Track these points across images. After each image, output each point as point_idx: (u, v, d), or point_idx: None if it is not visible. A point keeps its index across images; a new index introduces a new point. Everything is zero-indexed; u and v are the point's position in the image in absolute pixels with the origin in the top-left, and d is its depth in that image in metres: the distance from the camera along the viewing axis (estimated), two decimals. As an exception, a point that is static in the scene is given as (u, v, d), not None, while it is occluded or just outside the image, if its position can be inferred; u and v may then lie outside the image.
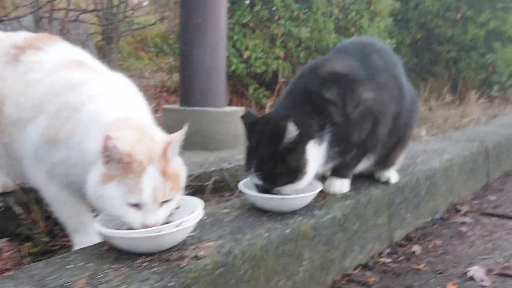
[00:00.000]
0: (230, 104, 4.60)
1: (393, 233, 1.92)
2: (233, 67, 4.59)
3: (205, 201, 1.33)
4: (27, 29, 4.50)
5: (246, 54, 4.68)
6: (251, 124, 1.54)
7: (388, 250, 1.85)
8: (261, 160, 1.45)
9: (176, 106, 3.01)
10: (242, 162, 2.52)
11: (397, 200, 1.95)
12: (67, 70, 1.43)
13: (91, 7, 4.40)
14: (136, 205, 1.16)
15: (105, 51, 4.52)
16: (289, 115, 1.48)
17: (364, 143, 1.66)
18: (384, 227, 1.86)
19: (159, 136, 1.26)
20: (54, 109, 1.33)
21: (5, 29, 3.98)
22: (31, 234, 1.58)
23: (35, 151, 1.35)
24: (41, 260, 1.44)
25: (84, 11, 4.14)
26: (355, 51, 1.75)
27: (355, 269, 1.68)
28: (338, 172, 1.72)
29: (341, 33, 5.21)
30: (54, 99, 1.34)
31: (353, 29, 5.26)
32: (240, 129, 2.99)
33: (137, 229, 1.16)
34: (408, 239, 1.97)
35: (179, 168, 1.26)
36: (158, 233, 1.13)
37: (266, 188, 1.48)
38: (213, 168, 2.30)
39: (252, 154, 1.49)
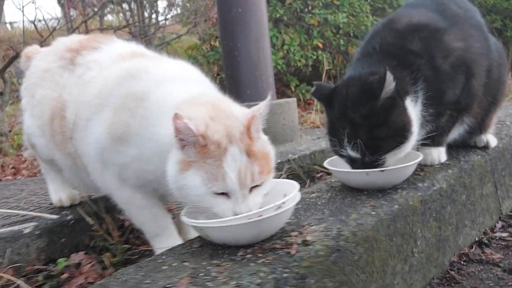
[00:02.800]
0: (274, 103, 4.43)
1: (502, 203, 1.68)
2: (273, 64, 4.43)
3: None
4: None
5: (283, 50, 4.52)
6: (327, 95, 1.35)
7: (500, 224, 1.60)
8: (353, 127, 1.24)
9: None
10: (307, 152, 2.38)
11: (500, 166, 1.70)
12: (125, 61, 1.30)
13: (123, 23, 4.37)
14: (223, 193, 0.99)
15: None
16: (376, 71, 1.28)
17: (458, 101, 1.44)
18: (491, 197, 1.62)
19: (238, 110, 1.09)
20: (118, 101, 1.18)
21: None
22: (107, 245, 1.46)
23: (101, 153, 1.21)
24: (122, 270, 1.32)
25: (119, 28, 4.12)
26: (430, 2, 1.55)
27: (470, 246, 1.45)
28: (432, 140, 1.49)
29: (378, 15, 4.98)
30: (116, 90, 1.20)
31: (390, 10, 5.01)
32: (294, 121, 2.85)
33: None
34: (518, 209, 1.72)
35: (266, 147, 1.08)
36: (258, 218, 0.96)
37: (368, 160, 1.25)
38: (279, 160, 2.13)
39: (339, 124, 1.28)
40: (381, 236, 1.14)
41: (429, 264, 1.28)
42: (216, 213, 1.00)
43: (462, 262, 1.36)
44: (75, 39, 1.49)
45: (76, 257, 1.38)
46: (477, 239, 1.49)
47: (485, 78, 1.49)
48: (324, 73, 4.34)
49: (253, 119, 1.02)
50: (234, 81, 2.75)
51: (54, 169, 1.58)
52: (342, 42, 4.68)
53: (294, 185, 1.10)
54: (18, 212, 1.37)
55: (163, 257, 1.05)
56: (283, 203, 1.01)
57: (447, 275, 1.29)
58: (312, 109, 4.74)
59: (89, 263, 1.34)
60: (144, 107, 1.13)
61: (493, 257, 1.36)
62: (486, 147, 1.68)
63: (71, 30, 3.66)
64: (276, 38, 4.53)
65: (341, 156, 1.33)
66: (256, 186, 1.02)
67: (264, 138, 1.10)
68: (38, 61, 1.51)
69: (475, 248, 1.44)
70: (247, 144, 1.00)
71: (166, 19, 4.85)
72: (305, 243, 1.00)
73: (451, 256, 1.37)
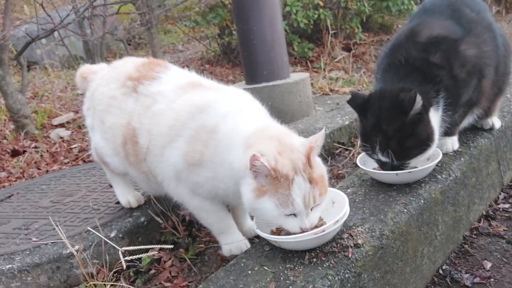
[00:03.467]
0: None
1: (504, 176, 1.96)
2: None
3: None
4: (73, 31, 4.58)
5: (285, 11, 4.58)
6: (362, 104, 1.56)
7: (502, 196, 1.89)
8: (386, 137, 1.47)
9: (243, 85, 3.04)
10: (327, 131, 2.60)
11: (502, 143, 1.96)
12: (187, 93, 1.49)
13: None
14: (292, 214, 1.23)
15: (146, 37, 4.51)
16: (405, 87, 1.49)
17: (471, 99, 1.67)
18: (495, 174, 1.89)
19: (297, 141, 1.30)
20: (191, 133, 1.40)
21: (54, 37, 4.06)
22: (175, 239, 1.73)
23: (176, 174, 1.45)
24: (196, 262, 1.60)
25: (124, 2, 4.14)
26: (445, 8, 1.71)
27: (479, 220, 1.74)
28: (447, 131, 1.74)
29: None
30: (187, 123, 1.41)
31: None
32: (309, 96, 3.04)
33: (295, 233, 1.25)
34: (517, 179, 2.00)
35: (322, 169, 1.30)
36: (323, 233, 1.23)
37: (395, 164, 1.50)
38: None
39: (372, 133, 1.51)
40: (412, 229, 1.42)
41: (448, 242, 1.57)
42: (286, 229, 1.25)
43: (473, 236, 1.66)
44: (131, 65, 1.65)
45: (155, 253, 1.66)
46: (484, 212, 1.79)
47: (494, 76, 1.70)
48: (327, 33, 4.44)
49: (311, 150, 1.24)
50: (250, 62, 2.90)
51: (119, 175, 1.81)
52: (342, -2, 4.73)
53: (343, 196, 1.36)
54: (146, 248, 1.51)
55: (243, 260, 1.32)
56: (340, 218, 1.26)
57: (462, 249, 1.59)
58: (315, 67, 4.90)
59: (169, 258, 1.62)
60: (216, 139, 1.35)
61: (498, 229, 1.66)
62: (491, 129, 1.92)
63: (80, 13, 3.70)
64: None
65: (373, 158, 1.57)
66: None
67: (318, 160, 1.32)
68: (102, 87, 1.67)
69: (483, 221, 1.73)
70: (309, 173, 1.22)
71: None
72: (356, 245, 1.28)
73: (464, 232, 1.67)
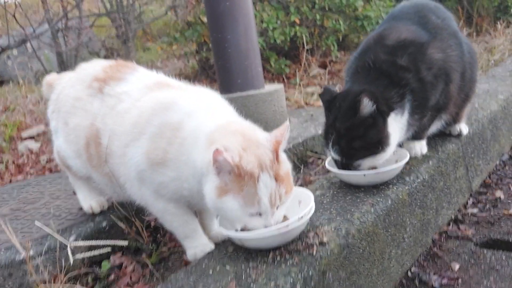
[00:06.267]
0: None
1: (472, 182, 1.96)
2: (253, 43, 4.54)
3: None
4: (46, 43, 4.51)
5: (261, 27, 4.63)
6: (329, 100, 1.56)
7: (471, 201, 1.89)
8: (338, 135, 1.48)
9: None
10: (299, 139, 2.60)
11: (470, 149, 1.98)
12: (153, 92, 1.45)
13: (103, 11, 4.37)
14: (257, 213, 1.19)
15: (123, 50, 4.49)
16: (366, 89, 1.49)
17: (438, 103, 1.68)
18: (463, 179, 1.90)
19: (263, 136, 1.26)
20: (154, 130, 1.35)
21: (26, 48, 4.00)
22: (139, 245, 1.66)
23: (139, 174, 1.38)
24: (159, 268, 1.54)
25: (99, 15, 4.12)
26: (412, 15, 1.74)
27: (448, 224, 1.73)
28: (415, 135, 1.74)
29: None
30: (151, 120, 1.36)
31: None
32: (283, 106, 3.04)
33: None
34: (486, 185, 2.01)
35: (287, 166, 1.26)
36: (287, 229, 1.19)
37: (345, 162, 1.51)
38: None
39: (329, 129, 1.52)
40: (379, 229, 1.39)
41: (416, 245, 1.55)
42: (250, 228, 1.20)
43: (442, 239, 1.64)
44: (98, 67, 1.61)
45: (116, 259, 1.59)
46: (453, 217, 1.78)
47: (460, 81, 1.73)
48: (303, 50, 4.49)
49: (278, 144, 1.20)
50: (225, 71, 2.89)
51: (82, 179, 1.75)
52: (318, 16, 4.82)
53: (309, 194, 1.33)
54: (96, 245, 1.47)
55: (205, 261, 1.27)
56: (304, 214, 1.23)
57: (431, 252, 1.57)
58: (291, 83, 4.93)
59: (131, 264, 1.55)
60: (180, 136, 1.30)
61: (466, 233, 1.65)
62: (459, 135, 1.94)
63: (53, 23, 3.66)
64: (255, 16, 4.61)
65: (329, 155, 1.56)
66: None
67: (284, 156, 1.28)
68: (67, 89, 1.63)
69: (452, 225, 1.72)
70: (275, 170, 1.18)
71: (146, 3, 4.82)
72: (321, 243, 1.24)
73: (433, 235, 1.65)
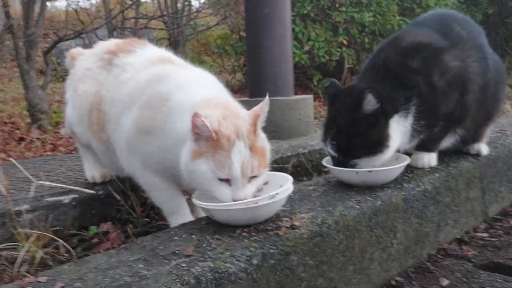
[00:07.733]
0: (296, 96, 4.59)
1: (488, 207, 1.82)
2: (296, 59, 4.58)
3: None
4: (101, 39, 4.81)
5: (308, 45, 4.66)
6: (334, 94, 1.53)
7: (483, 226, 1.75)
8: (337, 130, 1.44)
9: (246, 98, 3.06)
10: (317, 147, 2.55)
11: (490, 172, 1.84)
12: (154, 66, 1.51)
13: (158, 13, 4.61)
14: (226, 180, 1.18)
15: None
16: (372, 87, 1.45)
17: (452, 114, 1.59)
18: (477, 201, 1.77)
19: (244, 112, 1.28)
20: (145, 99, 1.40)
21: (84, 43, 4.30)
22: (130, 218, 1.69)
23: (128, 142, 1.43)
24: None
25: (153, 18, 4.35)
26: (435, 23, 1.69)
27: (450, 243, 1.61)
28: (424, 146, 1.65)
29: (406, 14, 5.03)
30: (144, 90, 1.41)
31: (418, 10, 5.06)
32: (310, 116, 3.02)
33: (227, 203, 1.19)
34: (505, 213, 1.86)
35: (265, 143, 1.27)
36: (255, 205, 1.16)
37: (341, 160, 1.45)
38: (289, 154, 2.32)
39: (330, 123, 1.48)
40: (362, 227, 1.32)
41: (406, 255, 1.46)
42: (217, 197, 1.19)
43: (439, 256, 1.53)
44: (113, 42, 1.71)
45: (104, 226, 1.62)
46: (458, 237, 1.65)
47: (480, 95, 1.63)
48: (346, 70, 4.46)
49: (257, 118, 1.21)
50: (256, 76, 2.94)
51: (89, 151, 1.82)
52: (367, 40, 4.78)
53: (288, 178, 1.30)
54: (61, 186, 1.62)
55: (175, 229, 1.27)
56: (277, 193, 1.20)
57: (423, 265, 1.46)
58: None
59: (115, 231, 1.57)
60: (168, 106, 1.34)
61: (468, 253, 1.52)
62: (478, 154, 1.82)
63: (109, 19, 3.91)
64: (302, 34, 4.67)
65: (326, 150, 1.51)
66: (254, 177, 1.21)
67: (263, 135, 1.28)
68: (82, 61, 1.73)
69: (454, 244, 1.60)
70: (251, 140, 1.19)
71: (198, 11, 5.04)
72: (292, 227, 1.20)
73: (430, 250, 1.54)
